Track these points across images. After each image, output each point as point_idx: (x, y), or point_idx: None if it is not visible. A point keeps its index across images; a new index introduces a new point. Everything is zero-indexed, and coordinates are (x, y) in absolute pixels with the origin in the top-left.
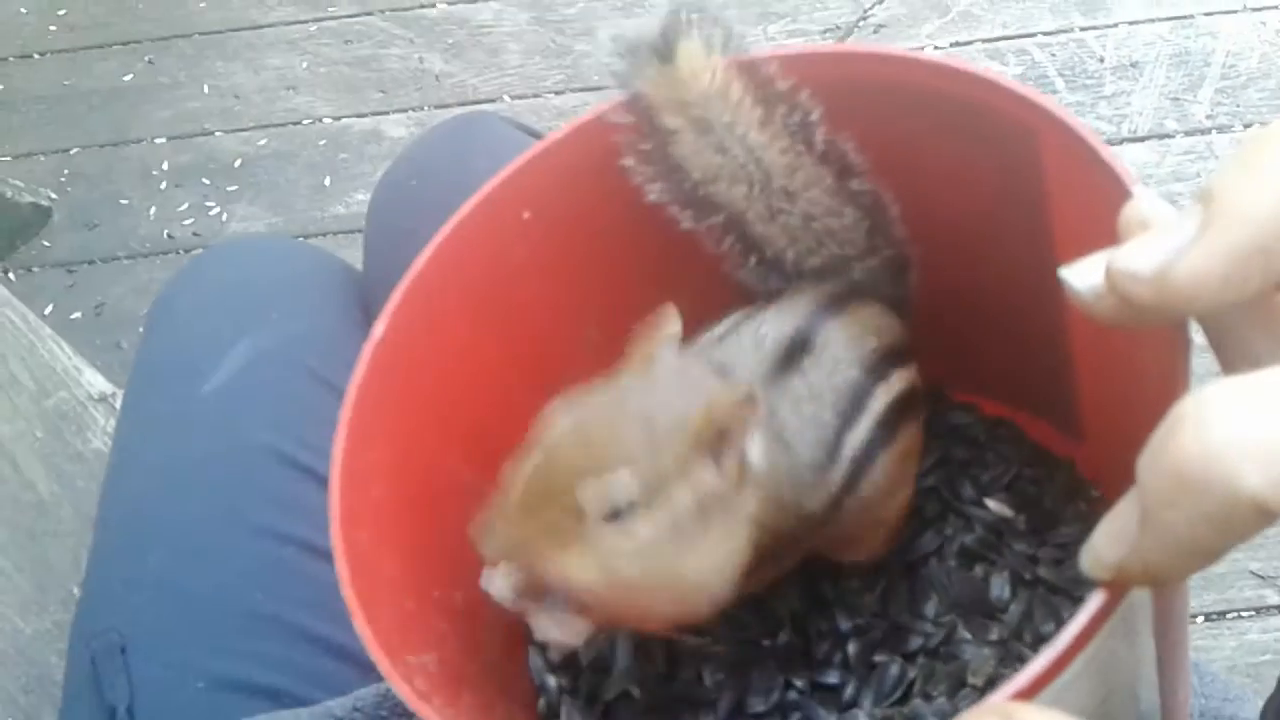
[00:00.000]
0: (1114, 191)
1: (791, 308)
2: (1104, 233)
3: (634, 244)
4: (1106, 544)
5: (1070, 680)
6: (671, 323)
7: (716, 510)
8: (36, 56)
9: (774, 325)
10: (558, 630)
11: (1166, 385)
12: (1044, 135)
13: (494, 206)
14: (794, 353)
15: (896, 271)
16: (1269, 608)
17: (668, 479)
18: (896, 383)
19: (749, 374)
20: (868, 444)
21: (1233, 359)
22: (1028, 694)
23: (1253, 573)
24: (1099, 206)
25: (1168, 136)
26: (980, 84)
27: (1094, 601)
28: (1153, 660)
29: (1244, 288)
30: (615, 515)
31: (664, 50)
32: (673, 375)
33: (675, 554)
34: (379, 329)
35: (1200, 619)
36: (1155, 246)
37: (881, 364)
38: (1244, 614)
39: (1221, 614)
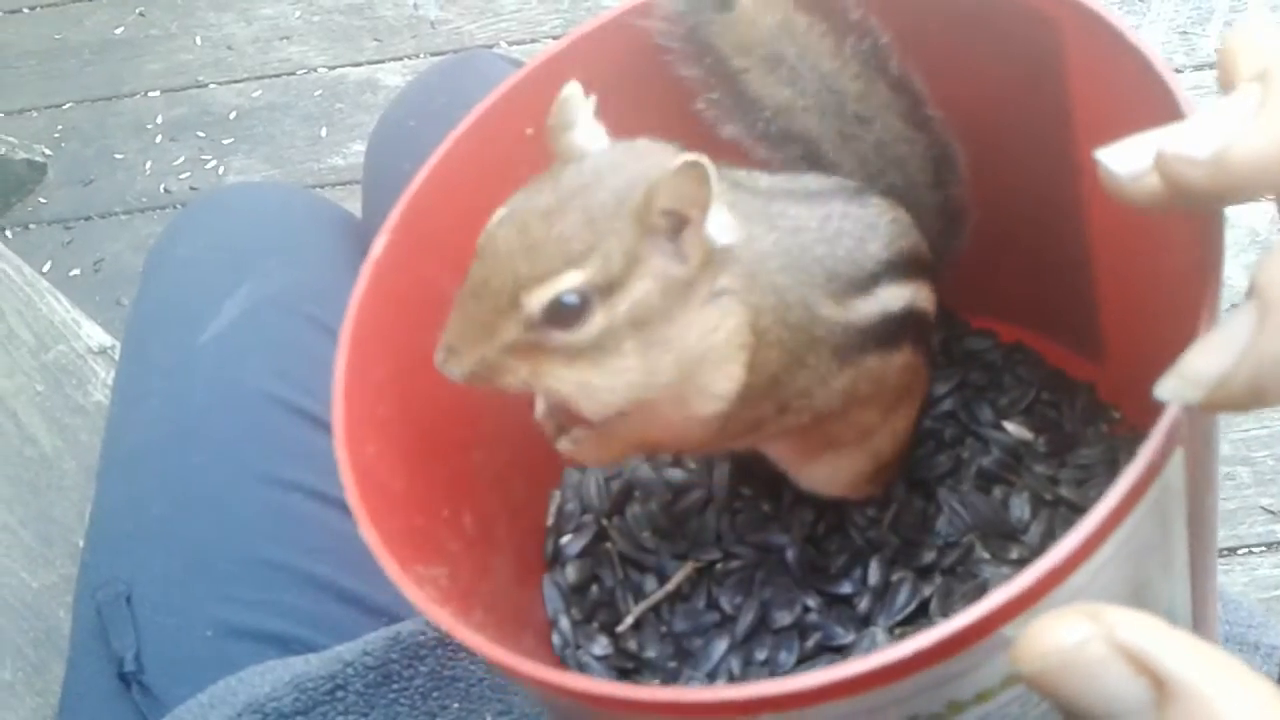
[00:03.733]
0: (1142, 81)
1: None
2: (1131, 126)
3: None
4: (1205, 358)
5: (1106, 561)
6: (579, 98)
7: (690, 297)
8: (26, 11)
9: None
10: (574, 447)
11: (1196, 290)
12: (1067, 27)
13: (493, 123)
14: (821, 191)
15: (954, 216)
16: None
17: (621, 271)
18: (922, 291)
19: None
20: (900, 311)
21: None
22: (1066, 567)
23: (1264, 508)
24: (1126, 99)
25: (1176, 71)
26: None
27: (1133, 470)
28: (1185, 559)
29: None
30: (572, 320)
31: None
32: (609, 153)
33: (652, 350)
34: (378, 246)
35: None
36: (1210, 128)
37: (911, 261)
38: (1255, 549)
39: (1233, 549)
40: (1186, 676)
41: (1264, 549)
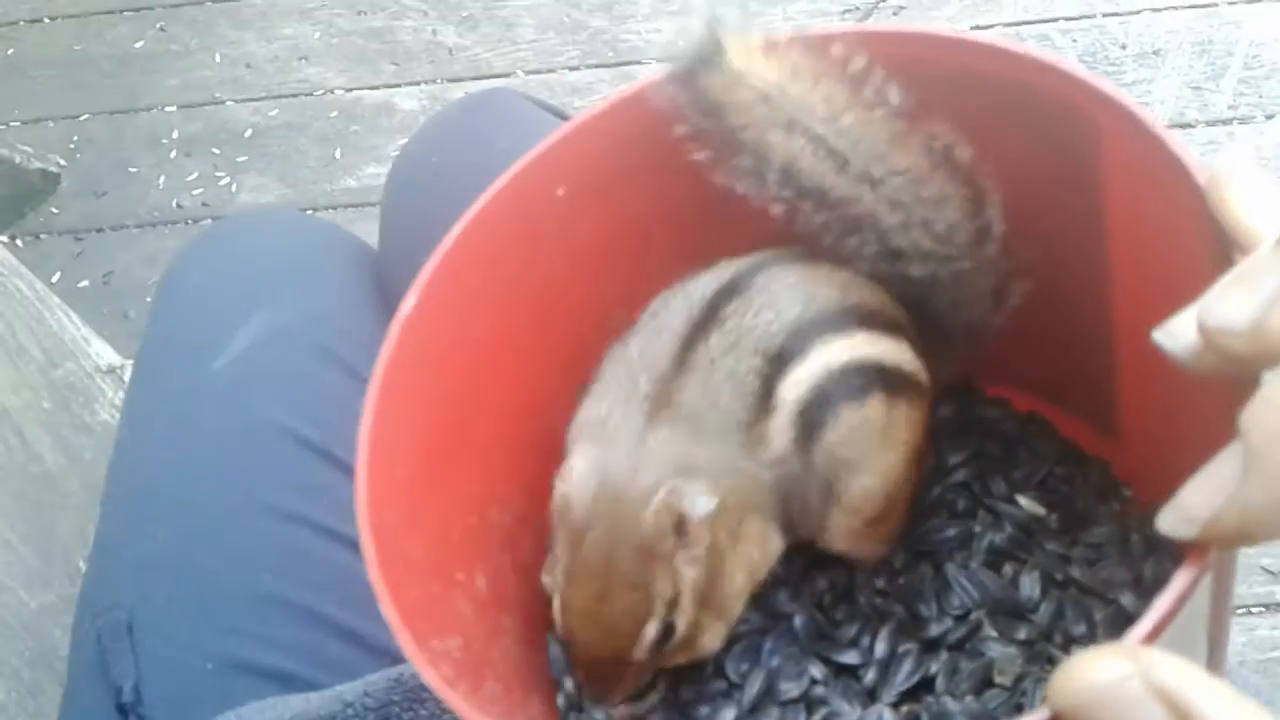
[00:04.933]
0: (1178, 181)
1: (737, 261)
2: (1163, 222)
3: (667, 220)
4: (1198, 497)
5: None
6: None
7: (719, 552)
8: (47, 21)
9: (710, 278)
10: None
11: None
12: (1103, 121)
13: (527, 183)
14: (720, 302)
15: (991, 284)
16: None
17: (672, 588)
18: (866, 343)
19: (667, 343)
20: (817, 390)
21: None
22: None
23: (1264, 569)
24: (1160, 196)
25: (1189, 126)
26: (1038, 68)
27: (1181, 578)
28: (1203, 661)
29: None
30: (668, 636)
31: (710, 59)
32: (602, 524)
33: (724, 607)
34: (408, 305)
35: None
36: (1246, 296)
37: (846, 317)
38: (1254, 609)
39: (1232, 609)
40: None
41: (1263, 610)
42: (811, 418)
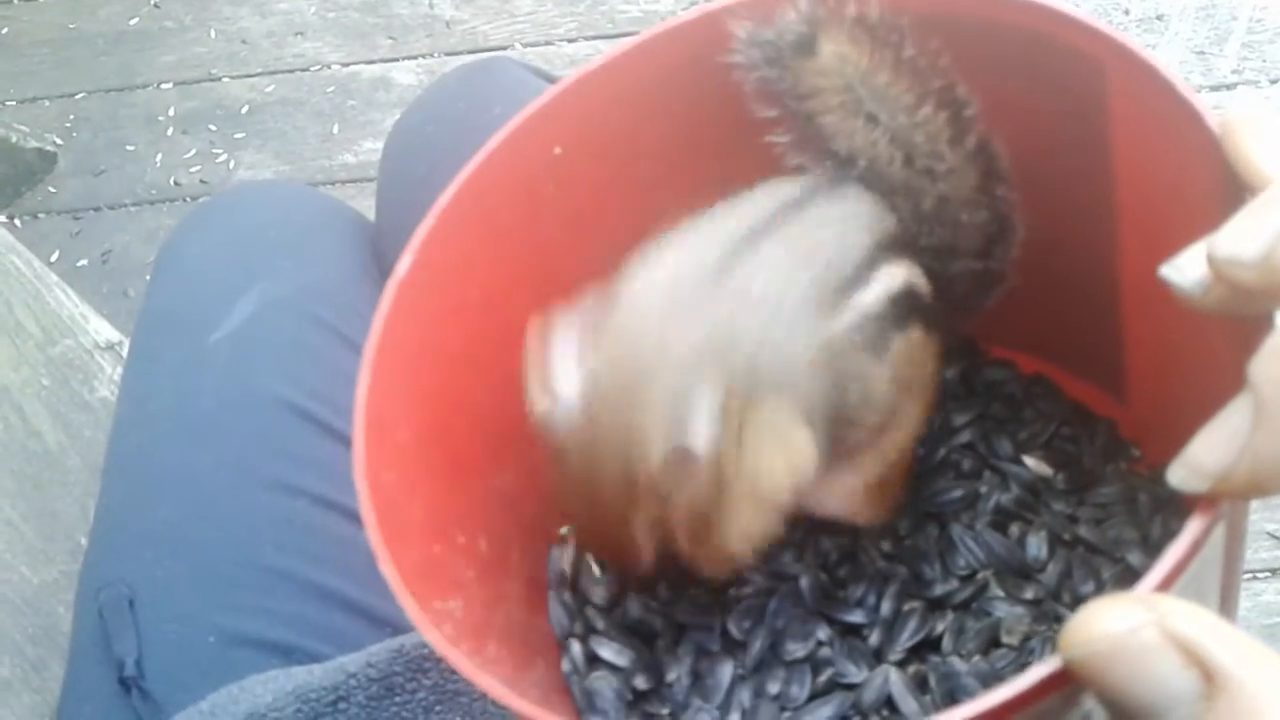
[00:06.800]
0: (1189, 130)
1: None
2: (1173, 174)
3: (666, 181)
4: (1209, 450)
5: None
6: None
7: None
8: None
9: (764, 195)
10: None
11: (1226, 336)
12: (1112, 71)
13: (523, 141)
14: (787, 210)
15: (985, 285)
16: None
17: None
18: (910, 273)
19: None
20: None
21: None
22: None
23: (1269, 534)
24: (1170, 147)
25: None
26: (1046, 15)
27: (1194, 525)
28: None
29: None
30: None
31: (808, 44)
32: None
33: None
34: (403, 267)
35: None
36: (1258, 227)
37: (891, 246)
38: (1259, 575)
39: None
40: (1237, 671)
41: (1268, 574)
42: (895, 314)
